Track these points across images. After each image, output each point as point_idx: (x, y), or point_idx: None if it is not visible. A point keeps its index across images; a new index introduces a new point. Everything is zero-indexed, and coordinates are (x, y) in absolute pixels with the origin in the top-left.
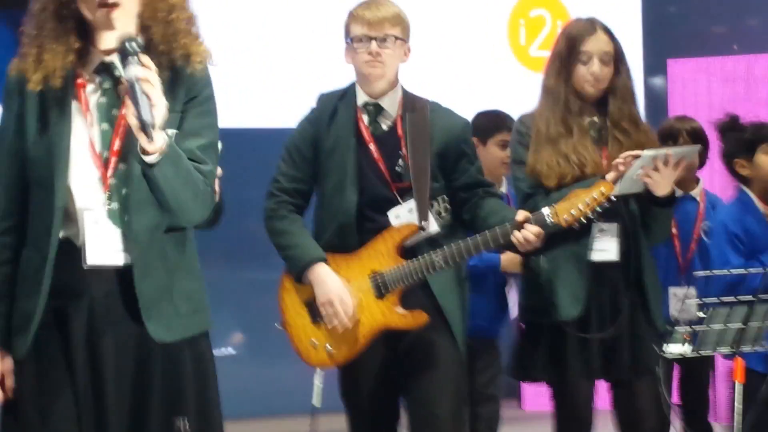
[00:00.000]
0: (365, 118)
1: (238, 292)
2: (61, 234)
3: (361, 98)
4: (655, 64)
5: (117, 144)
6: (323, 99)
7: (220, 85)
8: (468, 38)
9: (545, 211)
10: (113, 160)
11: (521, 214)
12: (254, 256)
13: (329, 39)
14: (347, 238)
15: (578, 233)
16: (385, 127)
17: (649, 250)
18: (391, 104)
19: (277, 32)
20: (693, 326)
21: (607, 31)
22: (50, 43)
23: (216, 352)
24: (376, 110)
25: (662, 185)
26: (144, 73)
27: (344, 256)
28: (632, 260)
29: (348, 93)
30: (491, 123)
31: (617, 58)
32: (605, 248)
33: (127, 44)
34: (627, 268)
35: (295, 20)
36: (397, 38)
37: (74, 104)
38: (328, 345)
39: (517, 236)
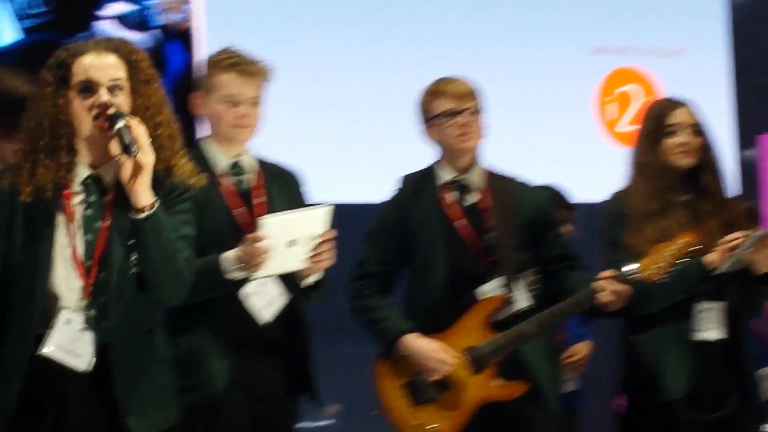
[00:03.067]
0: (451, 195)
1: (334, 364)
2: (40, 332)
3: (446, 175)
4: (745, 139)
5: (99, 254)
6: (405, 180)
7: (307, 159)
8: (556, 114)
9: (629, 267)
10: (95, 269)
11: (604, 273)
12: (349, 329)
13: (408, 115)
14: (438, 315)
15: (681, 312)
16: (471, 201)
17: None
18: (475, 179)
19: (360, 111)
20: None
21: (692, 105)
22: (43, 159)
23: (314, 423)
24: (461, 187)
25: (764, 263)
26: (130, 123)
27: (437, 336)
28: (735, 340)
29: (430, 173)
30: None
31: (705, 132)
32: (710, 327)
33: (118, 113)
34: (729, 348)
35: (379, 98)
36: (480, 110)
37: (60, 215)
38: (430, 425)
39: (601, 296)
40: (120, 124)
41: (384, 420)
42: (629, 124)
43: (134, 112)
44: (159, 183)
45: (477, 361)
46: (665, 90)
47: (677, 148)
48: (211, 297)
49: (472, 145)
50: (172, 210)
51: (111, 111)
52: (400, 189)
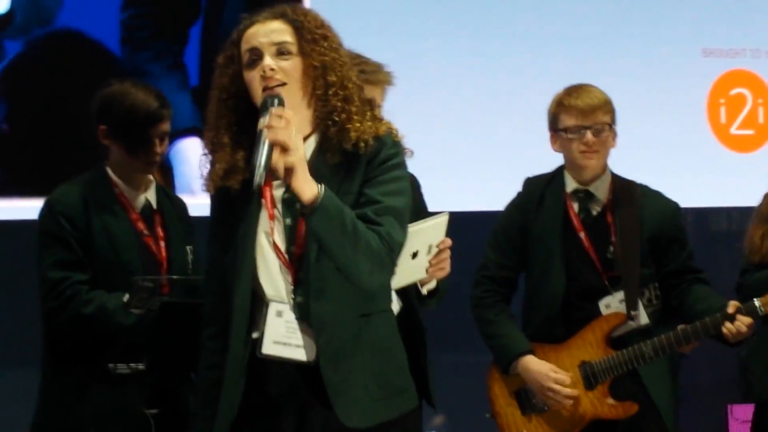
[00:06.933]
0: (575, 206)
1: (439, 374)
2: (255, 334)
3: (571, 185)
4: None
5: (301, 237)
6: (530, 184)
7: (421, 169)
8: (666, 118)
9: (757, 301)
10: (298, 253)
11: (732, 306)
12: (454, 339)
13: (532, 122)
14: (554, 328)
15: None
16: (594, 213)
17: None
18: (601, 190)
19: (477, 118)
20: None
21: None
22: (224, 145)
23: None
24: (586, 197)
25: None
26: (271, 121)
27: (553, 347)
28: None
29: (556, 178)
30: None
31: None
32: None
33: (267, 99)
34: None
35: (495, 105)
36: (609, 126)
37: (261, 202)
38: None
39: (728, 327)
40: (261, 122)
41: (491, 427)
42: (740, 127)
43: (304, 74)
44: (354, 158)
45: (591, 377)
46: None
47: None
48: None
49: (593, 164)
50: (375, 179)
51: (273, 84)
52: (522, 193)
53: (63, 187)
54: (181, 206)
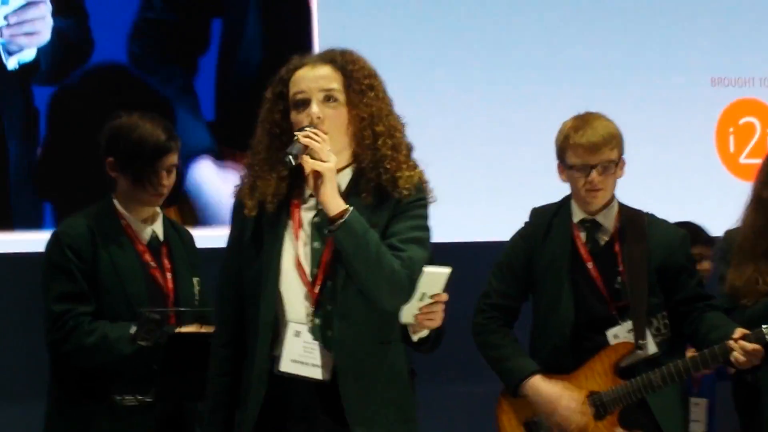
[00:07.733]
0: (582, 235)
1: (446, 405)
2: (276, 352)
3: (577, 215)
4: None
5: (326, 261)
6: (537, 214)
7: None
8: (675, 146)
9: (765, 328)
10: (321, 277)
11: (738, 332)
12: (462, 369)
13: (538, 151)
14: (563, 358)
15: None
16: (602, 243)
17: None
18: (608, 219)
19: (483, 146)
20: None
21: None
22: (262, 172)
23: None
24: (593, 226)
25: None
26: (305, 134)
27: (561, 377)
28: None
29: (563, 208)
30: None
31: None
32: None
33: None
34: None
35: (503, 134)
36: (616, 163)
37: (289, 224)
38: None
39: (735, 355)
40: (298, 134)
41: None
42: (749, 156)
43: (349, 123)
44: (385, 199)
45: (600, 407)
46: None
47: None
48: None
49: (598, 201)
50: (402, 215)
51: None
52: (530, 223)
53: (70, 219)
54: (188, 238)
